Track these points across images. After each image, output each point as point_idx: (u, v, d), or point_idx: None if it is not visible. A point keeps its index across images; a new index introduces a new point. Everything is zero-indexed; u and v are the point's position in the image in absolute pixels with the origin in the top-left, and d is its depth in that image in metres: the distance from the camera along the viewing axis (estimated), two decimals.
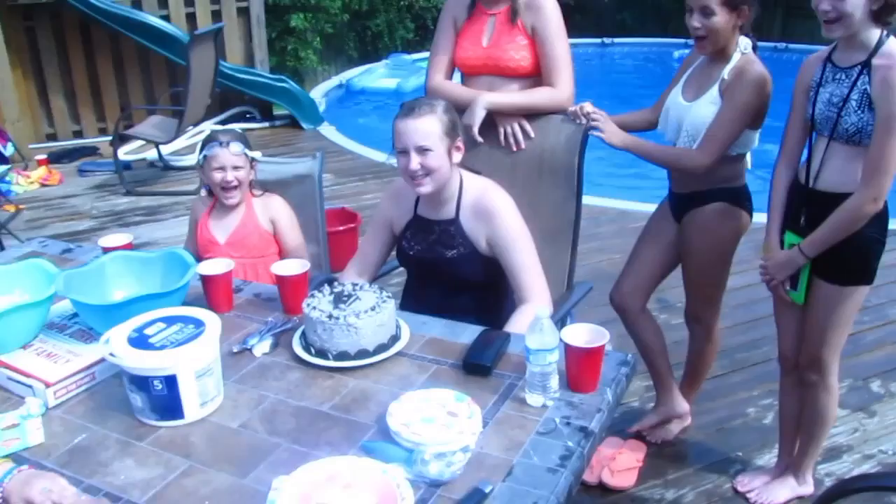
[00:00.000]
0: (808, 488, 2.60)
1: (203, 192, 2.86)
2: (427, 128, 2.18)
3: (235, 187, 2.67)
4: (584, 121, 2.48)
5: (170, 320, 1.75)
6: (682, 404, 2.91)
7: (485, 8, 2.59)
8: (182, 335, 1.69)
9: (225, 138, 2.66)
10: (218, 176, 2.65)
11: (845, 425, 3.00)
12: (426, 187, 2.22)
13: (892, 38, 2.06)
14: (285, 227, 2.76)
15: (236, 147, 2.65)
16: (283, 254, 2.76)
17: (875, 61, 2.04)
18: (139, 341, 1.67)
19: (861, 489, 1.85)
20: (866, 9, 2.00)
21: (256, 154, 2.75)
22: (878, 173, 2.06)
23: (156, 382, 1.63)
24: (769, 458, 2.81)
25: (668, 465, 2.80)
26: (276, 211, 2.76)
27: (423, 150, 2.18)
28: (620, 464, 2.71)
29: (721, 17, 2.30)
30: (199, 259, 2.53)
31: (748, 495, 2.62)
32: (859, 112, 2.07)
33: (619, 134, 2.48)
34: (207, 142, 2.68)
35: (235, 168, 2.65)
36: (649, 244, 2.75)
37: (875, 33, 2.06)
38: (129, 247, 2.36)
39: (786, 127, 2.34)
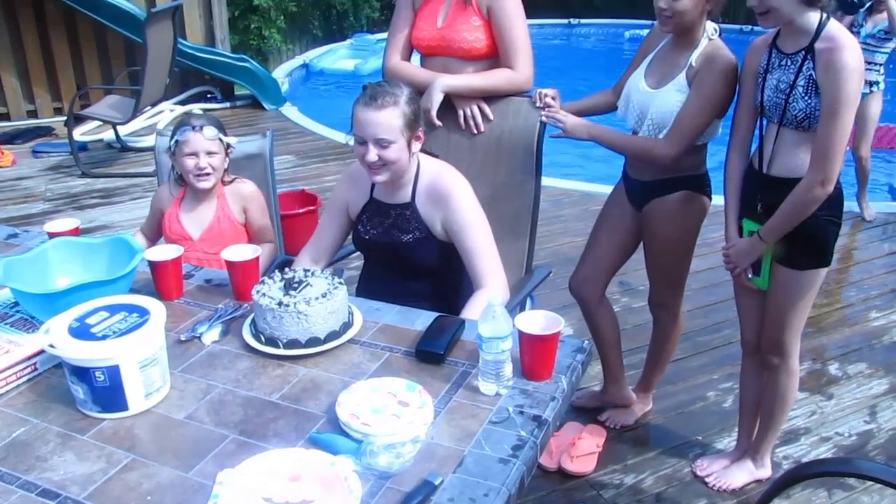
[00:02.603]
0: (765, 472, 2.61)
1: (166, 179, 2.75)
2: (388, 121, 2.10)
3: (209, 173, 2.56)
4: (541, 106, 2.45)
5: (113, 309, 1.69)
6: (629, 396, 2.94)
7: None
8: (125, 324, 1.63)
9: (198, 122, 2.54)
10: (191, 162, 2.53)
11: (803, 408, 3.02)
12: (382, 176, 2.18)
13: (832, 20, 2.04)
14: (255, 211, 2.68)
15: (210, 132, 2.54)
16: (251, 237, 2.68)
17: (818, 45, 2.02)
18: (80, 331, 1.61)
19: (815, 475, 1.85)
20: None
21: (232, 140, 2.64)
22: (826, 157, 2.04)
23: (97, 374, 1.57)
24: (728, 441, 2.82)
25: (627, 450, 2.80)
26: (247, 198, 2.67)
27: (382, 143, 2.12)
28: (580, 449, 2.70)
29: (689, 1, 2.25)
30: None
31: (707, 479, 2.63)
32: (806, 98, 2.06)
33: (583, 125, 2.44)
34: (179, 126, 2.56)
35: (209, 154, 2.53)
36: (606, 232, 2.72)
37: (814, 17, 2.04)
38: (75, 232, 2.29)
39: (735, 113, 2.32)
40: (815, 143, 2.06)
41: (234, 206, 2.65)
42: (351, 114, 2.18)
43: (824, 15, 2.04)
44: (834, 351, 3.44)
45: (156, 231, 2.76)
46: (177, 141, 2.54)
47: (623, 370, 2.91)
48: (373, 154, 2.12)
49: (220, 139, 2.58)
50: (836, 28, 2.03)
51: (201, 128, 2.53)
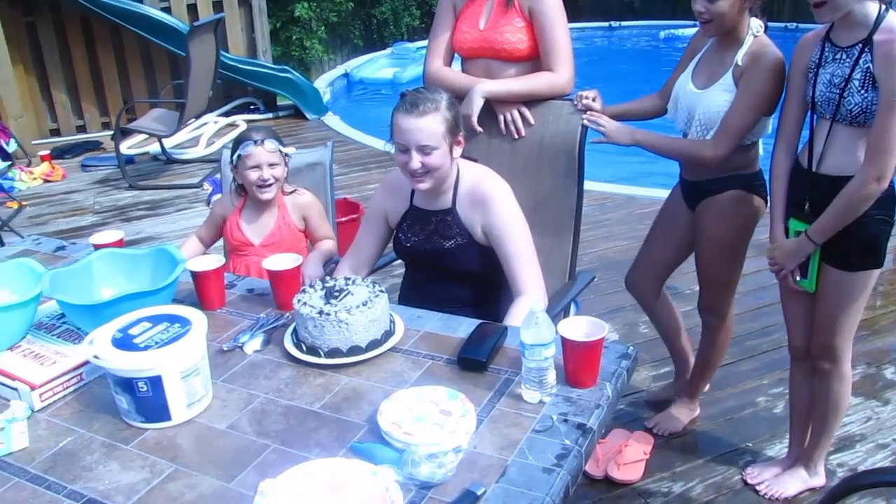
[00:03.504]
0: (819, 479, 2.54)
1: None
2: (431, 127, 2.09)
3: (272, 184, 2.63)
4: (582, 108, 2.43)
5: (155, 319, 1.71)
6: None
7: None
8: (167, 335, 1.64)
9: (259, 136, 2.60)
10: (254, 175, 2.59)
11: (858, 414, 2.93)
12: (426, 184, 2.16)
13: (891, 11, 1.98)
14: (314, 218, 2.74)
15: (271, 145, 2.60)
16: (312, 241, 2.76)
17: (876, 37, 1.96)
18: (123, 342, 1.63)
19: (874, 484, 1.79)
20: None
21: (290, 150, 2.71)
22: (882, 152, 1.98)
23: (140, 384, 1.58)
24: (780, 448, 2.74)
25: (675, 458, 2.75)
26: (306, 207, 2.73)
27: (425, 150, 2.11)
28: (627, 457, 2.65)
29: (726, 2, 2.21)
30: (227, 256, 2.59)
31: (758, 487, 2.56)
32: (863, 92, 1.99)
33: (625, 130, 2.42)
34: (241, 140, 2.62)
35: (271, 165, 2.60)
36: (662, 231, 2.72)
37: (873, 7, 1.97)
38: (120, 244, 2.33)
39: (782, 110, 2.26)
40: (870, 137, 2.00)
41: (294, 215, 2.72)
42: (390, 122, 2.17)
43: (883, 6, 1.98)
44: (890, 354, 3.33)
45: (213, 235, 2.82)
46: (239, 155, 2.60)
47: (692, 357, 2.93)
48: (416, 161, 2.11)
49: (280, 150, 2.64)
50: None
51: (262, 141, 2.59)
